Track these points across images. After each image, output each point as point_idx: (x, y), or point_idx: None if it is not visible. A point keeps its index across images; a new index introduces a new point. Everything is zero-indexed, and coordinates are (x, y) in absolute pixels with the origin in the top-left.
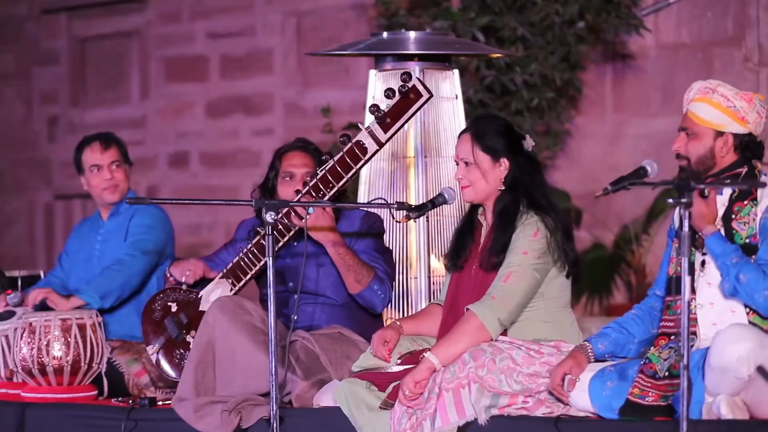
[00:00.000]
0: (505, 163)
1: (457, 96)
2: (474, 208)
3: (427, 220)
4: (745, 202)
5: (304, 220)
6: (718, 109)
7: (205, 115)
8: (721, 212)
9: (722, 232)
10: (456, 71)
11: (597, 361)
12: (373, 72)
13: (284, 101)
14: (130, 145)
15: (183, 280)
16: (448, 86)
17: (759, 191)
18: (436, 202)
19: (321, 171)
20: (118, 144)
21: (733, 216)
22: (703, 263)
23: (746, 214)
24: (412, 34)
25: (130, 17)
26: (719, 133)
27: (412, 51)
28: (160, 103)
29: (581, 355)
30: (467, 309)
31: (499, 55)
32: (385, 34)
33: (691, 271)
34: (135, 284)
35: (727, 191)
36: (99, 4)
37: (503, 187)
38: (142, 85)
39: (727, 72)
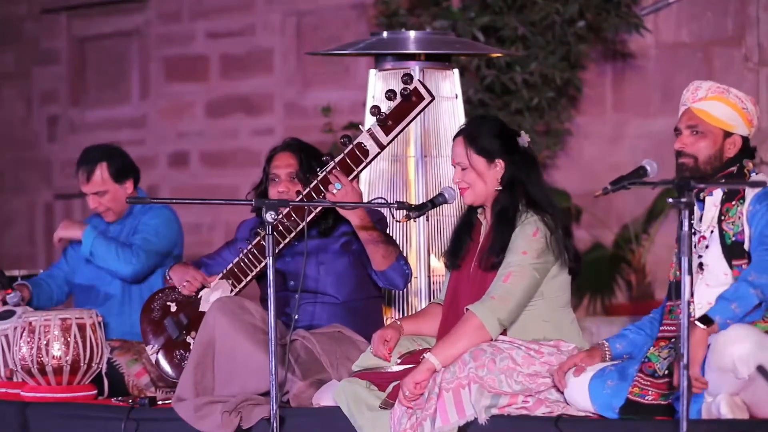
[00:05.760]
0: (500, 163)
1: (457, 95)
2: (472, 207)
3: (427, 220)
4: (733, 203)
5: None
6: (734, 109)
7: (205, 115)
8: (714, 214)
9: (717, 235)
10: (456, 71)
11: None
12: (373, 71)
13: (284, 101)
14: (130, 145)
15: (180, 290)
16: (448, 86)
17: (746, 190)
18: (436, 201)
19: (322, 172)
20: (104, 164)
21: (723, 217)
22: (701, 265)
23: (734, 214)
24: (412, 34)
25: (130, 17)
26: (728, 134)
27: (413, 50)
28: (160, 103)
29: (596, 351)
30: (467, 309)
31: (499, 54)
32: (385, 34)
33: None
34: (128, 271)
35: (718, 193)
36: (99, 4)
37: (500, 187)
38: (142, 84)
39: (727, 72)
